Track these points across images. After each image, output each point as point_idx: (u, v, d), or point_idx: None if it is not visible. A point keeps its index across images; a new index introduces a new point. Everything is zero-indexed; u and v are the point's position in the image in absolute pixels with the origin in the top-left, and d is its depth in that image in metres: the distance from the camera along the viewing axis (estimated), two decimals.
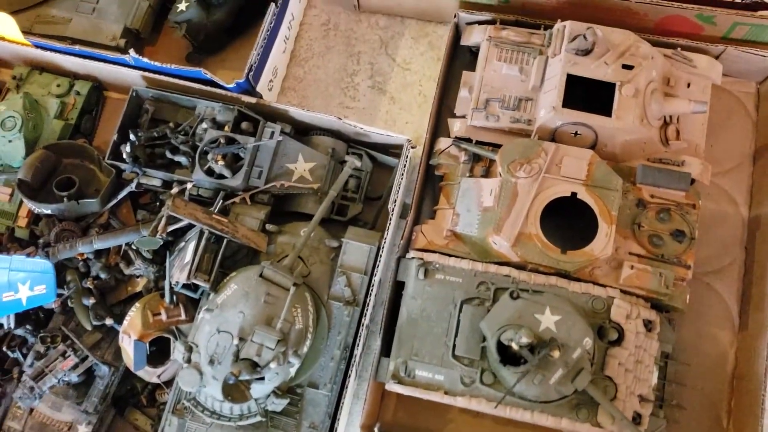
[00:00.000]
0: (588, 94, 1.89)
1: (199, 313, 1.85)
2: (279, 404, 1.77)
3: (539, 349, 1.63)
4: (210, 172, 1.98)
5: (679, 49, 1.98)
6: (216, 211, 1.92)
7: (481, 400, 1.74)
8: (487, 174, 1.97)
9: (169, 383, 1.96)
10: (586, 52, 1.86)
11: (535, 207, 1.80)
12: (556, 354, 1.62)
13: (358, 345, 1.84)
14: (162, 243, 1.91)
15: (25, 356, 2.02)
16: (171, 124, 2.09)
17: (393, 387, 1.82)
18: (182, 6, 2.24)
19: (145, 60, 2.05)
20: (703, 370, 1.95)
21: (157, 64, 2.05)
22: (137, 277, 2.03)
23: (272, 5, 2.12)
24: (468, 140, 2.01)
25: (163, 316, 1.90)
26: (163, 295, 1.93)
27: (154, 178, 2.05)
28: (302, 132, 2.13)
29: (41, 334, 1.97)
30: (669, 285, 1.76)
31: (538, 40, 2.02)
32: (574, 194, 1.80)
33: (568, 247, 1.78)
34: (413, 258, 1.90)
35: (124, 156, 2.01)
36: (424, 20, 2.36)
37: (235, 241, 1.89)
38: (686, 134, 1.93)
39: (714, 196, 2.07)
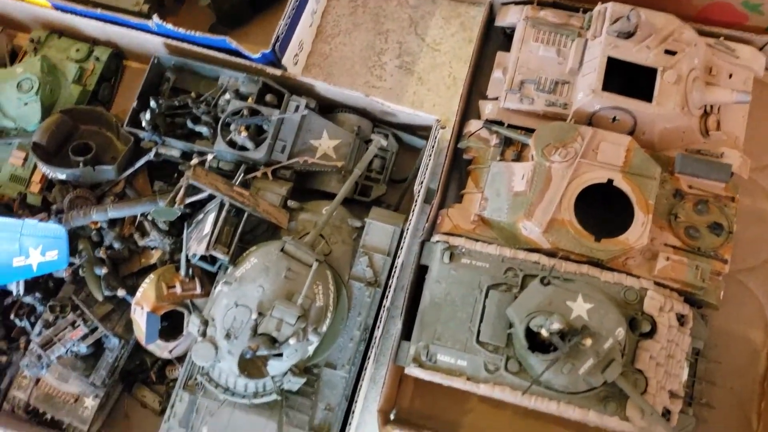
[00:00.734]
0: (626, 80, 1.83)
1: (215, 287, 1.78)
2: (296, 383, 1.70)
3: (570, 336, 1.57)
4: (232, 144, 1.92)
5: (722, 38, 1.91)
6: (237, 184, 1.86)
7: (505, 388, 1.68)
8: (518, 159, 1.90)
9: (180, 359, 1.90)
10: (628, 35, 1.80)
11: (569, 193, 1.73)
12: (588, 342, 1.55)
13: (378, 327, 1.78)
14: (180, 214, 1.84)
15: (33, 325, 1.96)
16: (192, 94, 2.03)
17: (413, 371, 1.75)
18: None
19: (169, 26, 1.98)
20: (733, 369, 1.88)
21: (181, 31, 1.99)
22: (151, 249, 1.96)
23: None
24: (499, 123, 1.95)
25: (178, 289, 1.84)
26: (178, 268, 1.87)
27: (173, 148, 1.98)
28: (325, 110, 2.07)
29: (50, 303, 1.90)
30: (705, 278, 1.70)
31: (576, 22, 1.96)
32: (610, 181, 1.74)
33: (599, 236, 1.72)
34: (439, 241, 1.83)
35: (144, 123, 1.94)
36: (456, 0, 2.29)
37: (255, 215, 1.82)
38: (726, 126, 1.86)
39: (750, 192, 2.00)
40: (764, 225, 2.00)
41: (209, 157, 1.91)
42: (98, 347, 1.92)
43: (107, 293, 1.88)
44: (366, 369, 1.76)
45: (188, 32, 1.99)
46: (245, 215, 1.82)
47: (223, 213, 1.79)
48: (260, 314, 1.62)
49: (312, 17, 2.23)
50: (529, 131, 1.90)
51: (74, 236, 1.93)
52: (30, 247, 1.84)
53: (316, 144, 1.97)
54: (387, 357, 1.83)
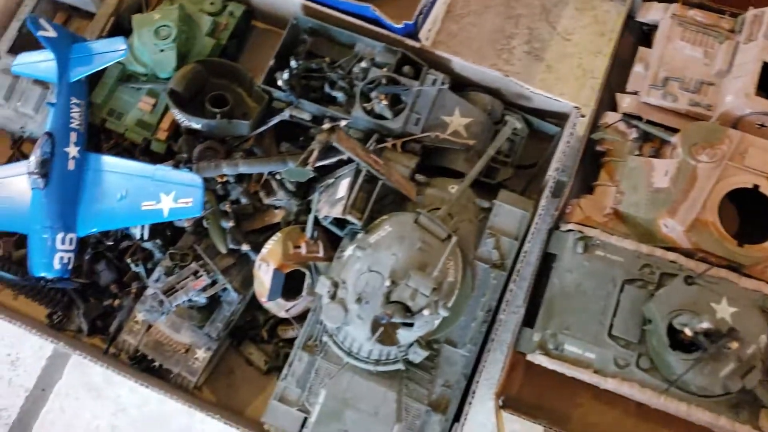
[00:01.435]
0: None
1: (344, 251, 1.77)
2: (420, 355, 1.69)
3: (716, 338, 1.54)
4: (368, 112, 1.91)
5: None
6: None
7: (634, 384, 1.65)
8: (657, 155, 1.87)
9: (297, 319, 1.89)
10: None
11: (715, 194, 1.70)
12: (734, 346, 1.52)
13: (503, 311, 1.75)
14: (312, 176, 1.84)
15: (148, 271, 1.96)
16: (327, 59, 2.02)
17: (538, 358, 1.73)
18: None
19: None
20: None
21: None
22: (276, 208, 1.96)
23: None
24: (637, 118, 1.92)
25: (303, 250, 1.83)
26: (303, 229, 1.87)
27: (304, 111, 1.97)
28: (456, 88, 2.05)
29: (171, 251, 1.91)
30: None
31: (726, 24, 1.93)
32: (756, 186, 1.70)
33: (740, 241, 1.69)
34: (571, 231, 1.81)
35: (280, 83, 1.94)
36: None
37: (387, 184, 1.81)
38: None
39: None
40: None
41: (343, 123, 1.90)
42: (213, 300, 1.92)
43: (232, 246, 1.87)
44: (488, 351, 1.74)
45: None
46: (379, 183, 1.80)
47: (360, 179, 1.78)
48: (393, 282, 1.61)
49: None
50: (667, 129, 1.87)
51: None
52: (162, 192, 1.84)
53: (447, 120, 1.95)
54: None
